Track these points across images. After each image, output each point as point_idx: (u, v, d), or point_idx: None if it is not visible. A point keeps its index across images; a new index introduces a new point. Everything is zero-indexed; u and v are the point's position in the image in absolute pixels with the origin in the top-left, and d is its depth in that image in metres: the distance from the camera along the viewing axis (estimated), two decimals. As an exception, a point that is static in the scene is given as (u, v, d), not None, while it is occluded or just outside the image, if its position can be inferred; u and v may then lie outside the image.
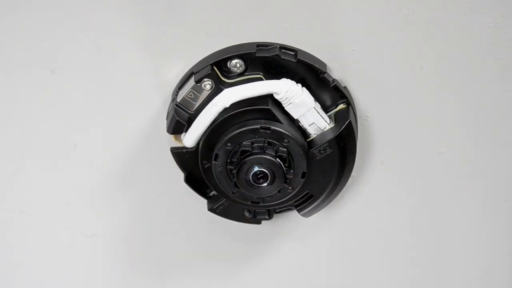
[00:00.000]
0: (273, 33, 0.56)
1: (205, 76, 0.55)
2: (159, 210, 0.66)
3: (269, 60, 0.56)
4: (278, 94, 0.55)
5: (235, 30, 0.56)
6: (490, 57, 0.57)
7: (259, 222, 0.62)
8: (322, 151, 0.56)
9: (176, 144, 0.59)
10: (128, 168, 0.63)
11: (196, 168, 0.58)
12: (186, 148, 0.58)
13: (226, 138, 0.54)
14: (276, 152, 0.54)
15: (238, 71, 0.56)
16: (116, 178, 0.64)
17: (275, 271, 0.69)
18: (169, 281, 0.70)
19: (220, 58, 0.56)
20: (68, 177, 0.63)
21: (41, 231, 0.66)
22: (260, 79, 0.56)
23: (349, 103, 0.57)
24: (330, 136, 0.56)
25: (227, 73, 0.56)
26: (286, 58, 0.55)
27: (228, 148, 0.55)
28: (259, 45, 0.56)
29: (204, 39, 0.57)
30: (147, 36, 0.57)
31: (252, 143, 0.54)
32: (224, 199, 0.60)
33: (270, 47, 0.56)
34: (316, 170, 0.57)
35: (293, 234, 0.67)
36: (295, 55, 0.55)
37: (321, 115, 0.56)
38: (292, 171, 0.55)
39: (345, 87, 0.58)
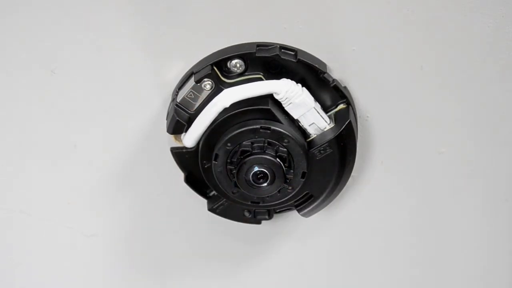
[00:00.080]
0: (273, 33, 0.56)
1: (205, 76, 0.55)
2: (159, 210, 0.66)
3: (269, 60, 0.56)
4: (278, 94, 0.55)
5: (235, 30, 0.56)
6: (490, 57, 0.57)
7: (259, 222, 0.62)
8: (322, 151, 0.56)
9: (176, 144, 0.59)
10: (128, 168, 0.63)
11: (196, 168, 0.58)
12: (186, 148, 0.58)
13: (226, 138, 0.54)
14: (276, 152, 0.54)
15: (238, 71, 0.56)
16: (116, 178, 0.64)
17: (275, 271, 0.69)
18: (169, 281, 0.70)
19: (220, 58, 0.56)
20: (68, 177, 0.63)
21: (41, 231, 0.66)
22: (260, 79, 0.56)
23: (349, 103, 0.57)
24: (330, 136, 0.56)
25: (227, 73, 0.56)
26: (286, 58, 0.55)
27: (228, 148, 0.55)
28: (259, 45, 0.56)
29: (204, 39, 0.57)
30: (147, 36, 0.57)
31: (252, 143, 0.54)
32: (224, 199, 0.60)
33: (270, 47, 0.56)
34: (316, 170, 0.57)
35: (293, 234, 0.67)
36: (295, 55, 0.55)
37: (321, 115, 0.56)
38: (292, 171, 0.55)
39: (345, 87, 0.58)
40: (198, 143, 0.57)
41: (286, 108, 0.55)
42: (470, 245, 0.68)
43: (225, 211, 0.61)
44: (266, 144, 0.54)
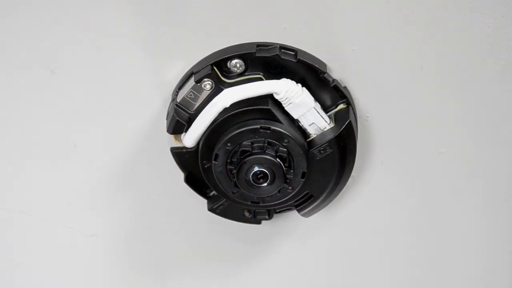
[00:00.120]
0: (273, 33, 0.56)
1: (205, 76, 0.55)
2: (159, 210, 0.66)
3: (269, 60, 0.56)
4: (278, 94, 0.55)
5: (235, 30, 0.56)
6: (490, 57, 0.57)
7: (259, 222, 0.62)
8: (322, 151, 0.56)
9: (176, 144, 0.59)
10: (128, 168, 0.63)
11: (196, 168, 0.58)
12: (186, 148, 0.58)
13: (226, 138, 0.54)
14: (276, 152, 0.54)
15: (238, 71, 0.56)
16: (116, 178, 0.64)
17: (275, 271, 0.69)
18: (169, 281, 0.70)
19: (220, 58, 0.56)
20: (68, 177, 0.63)
21: (41, 231, 0.66)
22: (260, 79, 0.56)
23: (349, 103, 0.57)
24: (330, 136, 0.56)
25: (227, 73, 0.56)
26: (286, 58, 0.55)
27: (228, 148, 0.55)
28: (259, 45, 0.56)
29: (204, 39, 0.57)
30: (147, 36, 0.57)
31: (252, 143, 0.54)
32: (224, 199, 0.60)
33: (270, 47, 0.56)
34: (316, 170, 0.57)
35: (293, 234, 0.67)
36: (295, 55, 0.55)
37: (321, 115, 0.56)
38: (292, 171, 0.55)
39: (345, 87, 0.58)
40: (198, 143, 0.57)
41: (286, 108, 0.55)
42: (470, 245, 0.68)
43: (225, 211, 0.61)
44: (266, 144, 0.54)
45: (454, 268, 0.69)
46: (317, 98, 0.57)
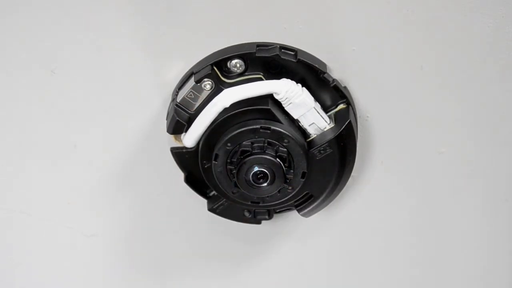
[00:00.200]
0: (273, 33, 0.56)
1: (205, 76, 0.55)
2: (159, 210, 0.66)
3: (269, 60, 0.56)
4: (278, 94, 0.55)
5: (235, 30, 0.56)
6: (490, 57, 0.57)
7: (259, 222, 0.62)
8: (322, 151, 0.56)
9: (176, 144, 0.59)
10: (128, 168, 0.63)
11: (196, 168, 0.58)
12: (186, 148, 0.58)
13: (226, 138, 0.54)
14: (276, 152, 0.54)
15: (238, 71, 0.56)
16: (116, 178, 0.64)
17: (275, 271, 0.69)
18: (169, 281, 0.70)
19: (220, 58, 0.56)
20: (68, 177, 0.63)
21: (41, 231, 0.66)
22: (260, 79, 0.56)
23: (349, 103, 0.57)
24: (330, 136, 0.56)
25: (227, 73, 0.56)
26: (286, 58, 0.55)
27: (228, 148, 0.55)
28: (259, 45, 0.56)
29: (204, 39, 0.57)
30: (147, 36, 0.57)
31: (252, 143, 0.54)
32: (224, 199, 0.60)
33: (270, 47, 0.56)
34: (316, 170, 0.57)
35: (293, 234, 0.67)
36: (295, 55, 0.55)
37: (321, 115, 0.56)
38: (292, 171, 0.55)
39: (345, 87, 0.58)
40: (198, 143, 0.57)
41: (286, 108, 0.55)
42: (470, 245, 0.68)
43: (225, 211, 0.61)
44: (266, 144, 0.54)
45: (454, 268, 0.69)
46: (317, 98, 0.57)
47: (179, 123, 0.56)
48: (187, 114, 0.56)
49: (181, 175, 0.60)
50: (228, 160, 0.55)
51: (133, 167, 0.63)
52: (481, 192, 0.64)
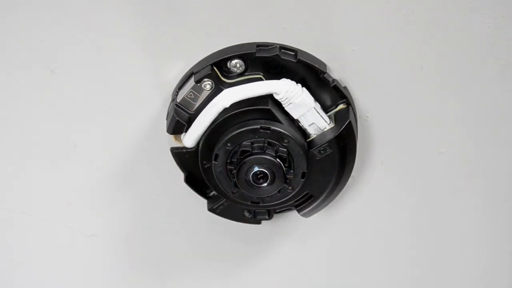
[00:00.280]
0: (273, 33, 0.56)
1: (205, 76, 0.55)
2: (159, 210, 0.66)
3: (269, 60, 0.56)
4: (278, 94, 0.55)
5: (235, 30, 0.56)
6: (490, 57, 0.57)
7: (259, 222, 0.62)
8: (322, 151, 0.56)
9: (176, 144, 0.59)
10: (128, 168, 0.63)
11: (196, 168, 0.58)
12: (186, 148, 0.58)
13: (226, 138, 0.54)
14: (276, 152, 0.54)
15: (238, 71, 0.56)
16: (116, 178, 0.64)
17: (275, 271, 0.69)
18: (169, 281, 0.70)
19: (220, 58, 0.56)
20: (68, 177, 0.63)
21: (41, 231, 0.66)
22: (260, 79, 0.56)
23: (349, 103, 0.57)
24: (330, 136, 0.56)
25: (227, 73, 0.56)
26: (286, 58, 0.55)
27: (228, 148, 0.55)
28: (259, 45, 0.56)
29: (204, 39, 0.57)
30: (147, 36, 0.57)
31: (252, 143, 0.54)
32: (224, 199, 0.60)
33: (270, 47, 0.56)
34: (316, 170, 0.57)
35: (293, 234, 0.67)
36: (295, 55, 0.55)
37: (321, 115, 0.56)
38: (292, 171, 0.55)
39: (345, 87, 0.58)
40: (198, 143, 0.57)
41: (286, 108, 0.55)
42: (470, 245, 0.68)
43: (225, 211, 0.61)
44: (266, 144, 0.54)
45: (454, 268, 0.69)
46: (317, 98, 0.57)
47: (179, 123, 0.56)
48: (187, 114, 0.56)
49: (181, 175, 0.60)
50: (228, 160, 0.55)
51: (133, 167, 0.63)
52: (481, 192, 0.64)
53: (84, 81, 0.59)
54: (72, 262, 0.68)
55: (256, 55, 0.55)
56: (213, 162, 0.55)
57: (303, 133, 0.57)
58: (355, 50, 0.57)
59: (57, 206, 0.65)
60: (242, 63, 0.56)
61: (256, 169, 0.54)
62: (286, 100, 0.55)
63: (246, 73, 0.56)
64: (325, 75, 0.56)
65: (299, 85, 0.55)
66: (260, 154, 0.54)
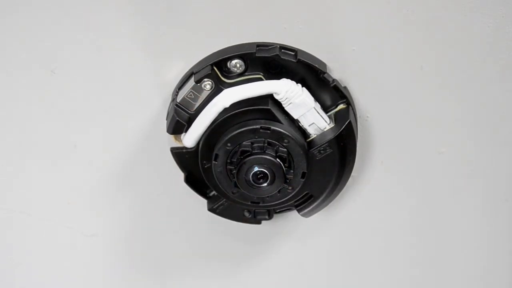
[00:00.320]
0: (273, 33, 0.56)
1: (205, 76, 0.55)
2: (159, 210, 0.66)
3: (269, 60, 0.56)
4: (278, 94, 0.55)
5: (235, 30, 0.56)
6: (490, 57, 0.57)
7: (259, 222, 0.62)
8: (322, 151, 0.56)
9: (176, 144, 0.59)
10: (128, 168, 0.63)
11: (196, 168, 0.58)
12: (186, 148, 0.58)
13: (226, 138, 0.54)
14: (276, 152, 0.54)
15: (238, 71, 0.56)
16: (116, 178, 0.64)
17: (275, 271, 0.69)
18: (169, 281, 0.70)
19: (220, 58, 0.56)
20: (68, 177, 0.63)
21: (41, 231, 0.66)
22: (260, 79, 0.56)
23: (349, 103, 0.57)
24: (330, 136, 0.56)
25: (227, 73, 0.56)
26: (286, 58, 0.55)
27: (228, 148, 0.55)
28: (259, 45, 0.56)
29: (204, 39, 0.57)
30: (147, 36, 0.57)
31: (252, 143, 0.54)
32: (224, 199, 0.60)
33: (270, 47, 0.56)
34: (316, 170, 0.57)
35: (293, 234, 0.67)
36: (295, 55, 0.55)
37: (321, 115, 0.56)
38: (292, 171, 0.55)
39: (345, 87, 0.58)
40: (198, 143, 0.57)
41: (286, 108, 0.55)
42: (470, 245, 0.68)
43: (225, 211, 0.61)
44: (266, 144, 0.54)
45: (454, 268, 0.69)
46: (317, 98, 0.57)
47: (179, 123, 0.56)
48: (187, 114, 0.56)
49: (181, 175, 0.60)
50: (228, 160, 0.55)
51: (133, 167, 0.63)
52: (481, 192, 0.64)
53: (84, 81, 0.59)
54: (72, 262, 0.68)
55: (256, 55, 0.55)
56: (213, 162, 0.55)
57: (303, 133, 0.57)
58: (355, 50, 0.57)
59: (57, 206, 0.65)
60: (242, 63, 0.56)
61: (256, 169, 0.54)
62: (286, 100, 0.55)
63: (246, 73, 0.56)
64: (325, 75, 0.56)
65: (299, 85, 0.55)
66: (260, 154, 0.54)
